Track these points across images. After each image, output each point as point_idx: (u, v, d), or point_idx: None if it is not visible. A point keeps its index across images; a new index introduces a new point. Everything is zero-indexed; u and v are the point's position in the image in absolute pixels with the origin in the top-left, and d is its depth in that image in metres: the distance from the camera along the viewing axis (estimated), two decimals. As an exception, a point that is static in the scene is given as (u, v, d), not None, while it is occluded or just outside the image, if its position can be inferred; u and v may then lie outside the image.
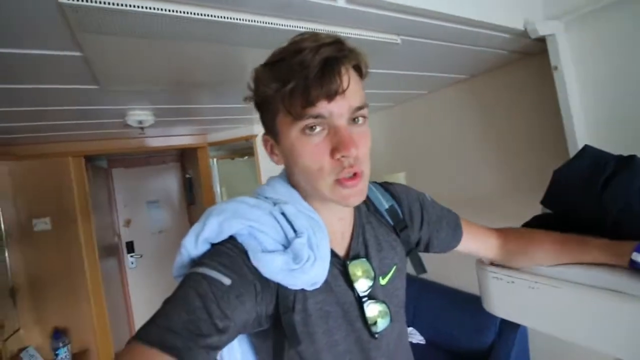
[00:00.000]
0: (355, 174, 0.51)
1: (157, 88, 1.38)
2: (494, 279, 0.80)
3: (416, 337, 2.01)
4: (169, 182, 4.08)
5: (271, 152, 0.58)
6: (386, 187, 0.75)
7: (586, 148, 0.75)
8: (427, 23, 1.00)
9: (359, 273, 0.59)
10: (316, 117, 0.48)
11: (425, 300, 2.04)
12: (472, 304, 1.73)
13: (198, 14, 0.78)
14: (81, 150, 2.33)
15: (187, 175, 3.80)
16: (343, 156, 0.49)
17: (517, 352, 1.54)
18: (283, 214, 0.54)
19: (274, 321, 0.53)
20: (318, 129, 0.49)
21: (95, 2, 0.70)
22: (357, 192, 0.52)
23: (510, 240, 0.77)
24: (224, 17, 0.81)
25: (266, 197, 0.59)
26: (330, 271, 0.55)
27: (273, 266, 0.49)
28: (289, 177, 0.60)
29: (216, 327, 0.43)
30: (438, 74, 1.66)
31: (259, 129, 2.57)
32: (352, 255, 0.61)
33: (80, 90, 1.23)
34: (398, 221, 0.69)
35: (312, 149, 0.50)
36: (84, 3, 0.69)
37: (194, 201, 3.70)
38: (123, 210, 3.76)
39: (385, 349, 0.62)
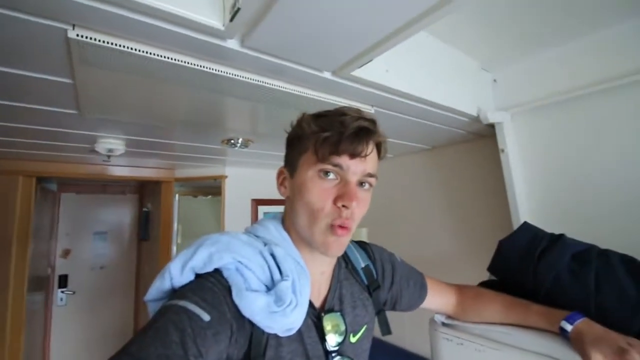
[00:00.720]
0: (345, 227, 0.56)
1: (135, 120, 1.39)
2: (444, 339, 0.85)
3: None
4: (123, 214, 3.84)
5: (281, 184, 0.65)
6: (363, 246, 0.80)
7: (525, 224, 0.87)
8: (397, 100, 1.15)
9: (331, 327, 0.60)
10: (335, 165, 0.56)
11: (378, 362, 2.01)
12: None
13: (197, 65, 0.85)
14: (35, 170, 2.18)
15: (145, 209, 3.62)
16: (344, 205, 0.55)
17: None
18: (272, 255, 0.57)
19: None
20: (332, 176, 0.57)
21: (102, 41, 0.75)
22: (340, 244, 0.57)
23: (465, 297, 0.84)
24: (222, 72, 0.89)
25: (257, 236, 0.61)
26: (304, 321, 0.56)
27: (255, 305, 0.50)
28: (285, 219, 0.64)
29: None
30: (404, 142, 1.84)
31: (229, 171, 2.58)
32: (327, 308, 0.63)
33: (57, 113, 1.22)
34: (372, 281, 0.73)
35: (320, 190, 0.56)
36: (91, 41, 0.73)
37: (148, 237, 3.49)
38: (64, 238, 3.43)
39: None
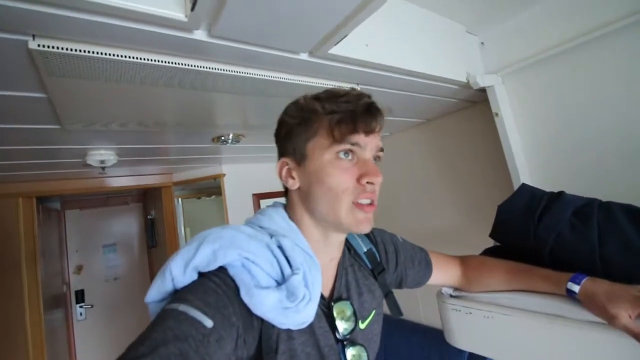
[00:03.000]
0: (372, 202, 0.57)
1: (121, 128, 1.37)
2: (453, 310, 0.84)
3: (388, 379, 1.96)
4: (129, 224, 3.87)
5: (287, 176, 0.61)
6: None
7: (523, 186, 0.84)
8: (382, 75, 1.12)
9: (341, 315, 0.59)
10: (354, 144, 0.56)
11: (395, 339, 2.03)
12: (440, 340, 1.74)
13: (167, 62, 0.82)
14: (33, 190, 2.18)
15: (149, 216, 3.63)
16: (369, 182, 0.55)
17: (485, 387, 1.55)
18: (280, 247, 0.54)
19: None
20: (349, 156, 0.56)
21: (65, 49, 0.72)
22: (369, 220, 0.57)
23: (469, 268, 0.83)
24: (194, 66, 0.86)
25: (261, 227, 0.58)
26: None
27: (266, 303, 0.47)
28: (290, 209, 0.61)
29: None
30: (397, 117, 1.80)
31: (227, 169, 2.57)
32: (335, 296, 0.61)
33: (40, 130, 1.20)
34: (376, 264, 0.71)
35: (342, 171, 0.56)
36: (54, 50, 0.71)
37: (156, 244, 3.51)
38: (74, 255, 3.47)
39: None
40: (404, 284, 0.79)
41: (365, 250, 0.72)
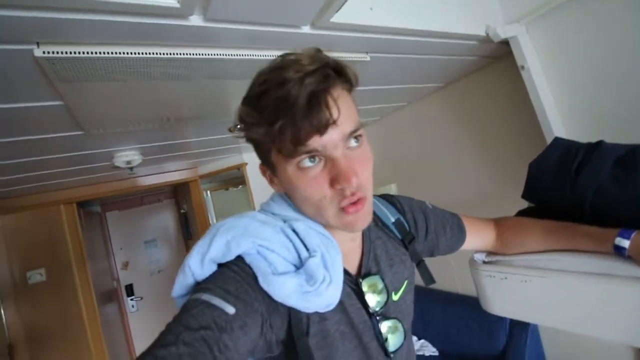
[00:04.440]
0: (358, 200, 0.48)
1: (141, 127, 1.40)
2: (487, 277, 0.80)
3: (429, 350, 1.96)
4: (165, 219, 4.05)
5: (270, 182, 0.56)
6: (390, 200, 0.74)
7: (556, 140, 0.78)
8: (392, 39, 1.05)
9: (373, 289, 0.57)
10: (309, 152, 0.46)
11: (432, 311, 2.01)
12: (478, 308, 1.71)
13: (168, 54, 0.82)
14: (73, 196, 2.33)
15: (182, 211, 3.78)
16: (343, 188, 0.47)
17: (530, 352, 1.51)
18: (294, 231, 0.52)
19: (286, 347, 0.50)
20: (314, 162, 0.47)
21: (70, 52, 0.73)
22: (362, 217, 0.50)
23: (504, 230, 0.78)
24: (197, 54, 0.85)
25: (274, 214, 0.56)
26: (343, 291, 0.52)
27: (285, 289, 0.46)
28: (292, 200, 0.57)
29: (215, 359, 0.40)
30: (413, 85, 1.72)
31: (248, 157, 2.59)
32: (364, 272, 0.59)
33: (65, 138, 1.25)
34: (406, 234, 0.68)
35: (310, 182, 0.48)
36: (58, 55, 0.72)
37: (191, 236, 3.67)
38: (119, 253, 3.71)
39: None
40: (436, 252, 0.76)
41: (393, 220, 0.69)
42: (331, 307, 0.51)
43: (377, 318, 0.57)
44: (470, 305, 1.82)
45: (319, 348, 0.51)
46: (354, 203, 0.48)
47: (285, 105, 0.43)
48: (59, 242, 2.24)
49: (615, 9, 1.04)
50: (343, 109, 0.46)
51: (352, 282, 0.57)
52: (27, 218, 2.18)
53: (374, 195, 0.72)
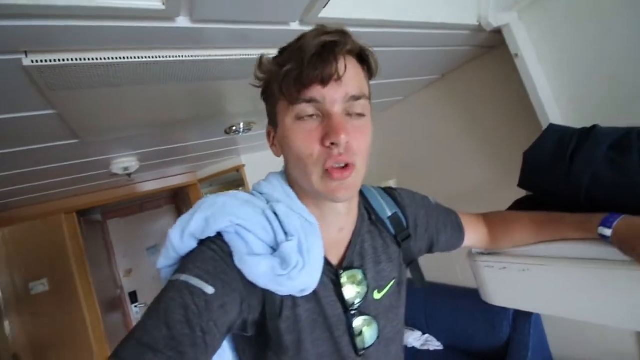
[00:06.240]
0: (346, 165, 0.48)
1: (137, 132, 1.40)
2: (486, 268, 0.80)
3: (433, 344, 1.96)
4: (166, 224, 4.05)
5: (272, 144, 0.57)
6: (390, 192, 0.71)
7: (550, 127, 0.77)
8: (381, 32, 1.05)
9: (350, 284, 0.56)
10: (309, 101, 0.47)
11: (435, 305, 2.01)
12: (482, 299, 1.71)
13: (157, 57, 0.81)
14: (73, 205, 2.33)
15: (183, 215, 3.78)
16: (332, 143, 0.46)
17: (534, 342, 1.51)
18: (275, 213, 0.52)
19: (259, 328, 0.51)
20: (312, 114, 0.48)
21: (59, 60, 0.73)
22: (346, 186, 0.49)
23: (494, 226, 0.77)
24: (186, 56, 0.85)
25: (261, 193, 0.57)
26: (320, 280, 0.52)
27: (258, 271, 0.47)
28: (288, 172, 0.58)
29: (197, 340, 0.41)
30: (408, 78, 1.71)
31: (246, 159, 2.59)
32: (346, 264, 0.58)
33: (61, 147, 1.25)
34: (401, 230, 0.66)
35: (304, 135, 0.48)
36: (47, 63, 0.71)
37: (193, 240, 3.67)
38: (122, 260, 3.72)
39: None
40: (435, 248, 0.74)
41: (389, 214, 0.66)
42: (307, 292, 0.51)
43: (352, 313, 0.55)
44: (474, 298, 1.80)
45: (289, 332, 0.51)
46: (341, 168, 0.48)
47: (298, 52, 0.46)
48: (61, 252, 2.24)
49: None
50: (350, 72, 0.47)
51: (332, 273, 0.56)
52: (27, 229, 2.18)
53: (375, 187, 0.72)
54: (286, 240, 0.49)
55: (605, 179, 0.62)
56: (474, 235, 0.78)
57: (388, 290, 0.61)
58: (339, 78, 0.46)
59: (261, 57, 0.52)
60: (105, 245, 3.57)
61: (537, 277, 0.70)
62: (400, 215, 0.68)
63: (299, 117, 0.48)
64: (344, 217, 0.58)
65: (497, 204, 0.91)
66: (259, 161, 2.60)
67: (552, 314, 0.74)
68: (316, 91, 0.46)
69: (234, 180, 3.35)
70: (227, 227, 0.49)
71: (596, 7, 1.07)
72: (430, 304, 2.01)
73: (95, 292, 2.36)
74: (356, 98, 0.48)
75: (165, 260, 0.52)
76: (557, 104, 1.27)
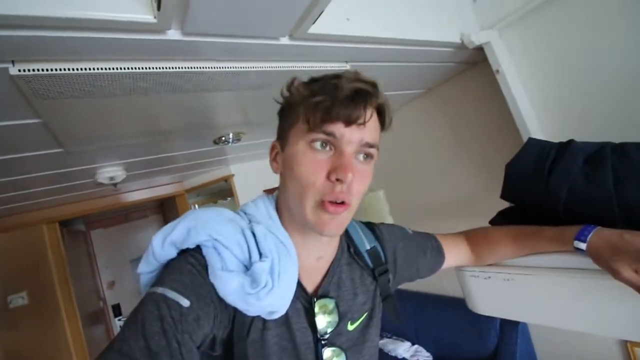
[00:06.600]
0: (342, 202, 0.51)
1: (125, 142, 1.39)
2: (472, 277, 0.82)
3: (422, 355, 1.96)
4: (152, 235, 3.95)
5: (274, 159, 0.60)
6: (370, 227, 0.74)
7: (530, 140, 0.80)
8: (370, 48, 1.08)
9: (324, 313, 0.56)
10: (329, 134, 0.50)
11: (424, 315, 2.02)
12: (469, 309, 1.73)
13: (146, 68, 0.82)
14: (55, 215, 2.27)
15: (170, 226, 3.72)
16: (338, 179, 0.49)
17: (521, 351, 1.53)
18: (253, 233, 0.53)
19: (226, 348, 0.51)
20: (325, 147, 0.51)
21: (44, 70, 0.72)
22: (337, 223, 0.52)
23: (476, 243, 0.80)
24: (173, 68, 0.85)
25: (246, 213, 0.58)
26: (293, 305, 0.53)
27: (228, 287, 0.48)
28: (279, 197, 0.60)
29: (174, 352, 0.42)
30: (394, 92, 1.75)
31: (235, 169, 2.58)
32: (320, 293, 0.58)
33: (45, 156, 1.23)
34: (378, 264, 0.67)
35: (312, 162, 0.51)
36: (34, 72, 0.71)
37: (180, 251, 3.60)
38: (105, 272, 3.62)
39: None
40: (416, 277, 0.76)
41: (368, 248, 0.68)
42: (275, 316, 0.51)
43: (322, 343, 0.55)
44: (462, 308, 1.83)
45: (255, 356, 0.51)
46: (337, 204, 0.50)
47: (332, 89, 0.50)
48: (42, 264, 2.17)
49: (586, 13, 1.09)
50: (371, 122, 0.52)
51: (306, 300, 0.56)
52: (7, 240, 2.11)
53: (357, 220, 0.73)
54: (260, 260, 0.50)
55: (581, 193, 0.65)
56: (456, 254, 0.80)
57: (361, 323, 0.62)
58: (363, 124, 0.50)
59: (294, 79, 0.56)
60: (88, 256, 3.47)
61: (521, 286, 0.72)
62: (379, 249, 0.70)
63: (312, 146, 0.51)
64: (325, 246, 0.60)
65: (482, 214, 0.93)
66: (248, 171, 2.60)
67: (536, 322, 0.76)
68: (338, 128, 0.50)
69: (222, 191, 3.32)
70: (206, 240, 0.50)
71: (573, 26, 1.13)
72: (420, 314, 2.02)
73: (77, 305, 2.29)
74: (369, 145, 0.52)
75: (145, 265, 0.53)
76: (536, 118, 1.32)
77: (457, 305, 1.87)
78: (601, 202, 0.62)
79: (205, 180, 2.68)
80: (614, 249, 0.55)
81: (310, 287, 0.58)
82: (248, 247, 0.52)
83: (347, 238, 0.68)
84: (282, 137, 0.57)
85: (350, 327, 0.60)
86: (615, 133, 1.01)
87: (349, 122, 0.49)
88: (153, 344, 0.41)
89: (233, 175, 2.55)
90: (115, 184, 1.85)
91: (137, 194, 2.60)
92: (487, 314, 0.83)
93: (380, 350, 1.85)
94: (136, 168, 1.87)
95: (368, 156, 0.54)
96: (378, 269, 0.66)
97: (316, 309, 0.56)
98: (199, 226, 0.51)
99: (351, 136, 0.50)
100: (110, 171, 1.67)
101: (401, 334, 2.09)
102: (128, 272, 3.73)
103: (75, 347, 2.19)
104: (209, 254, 0.50)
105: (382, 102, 0.54)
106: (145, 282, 0.54)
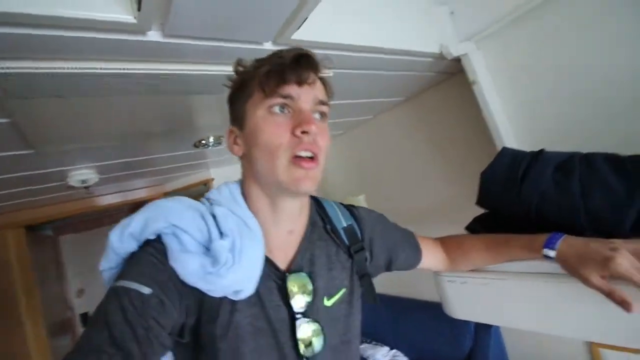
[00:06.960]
0: (312, 158, 0.54)
1: (99, 144, 1.34)
2: (448, 282, 0.84)
3: (400, 359, 1.98)
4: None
5: (233, 143, 0.61)
6: (348, 207, 0.75)
7: (503, 150, 0.84)
8: (352, 56, 1.10)
9: (297, 289, 0.56)
10: (285, 96, 0.54)
11: (402, 320, 2.04)
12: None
13: (125, 69, 0.80)
14: (21, 219, 2.14)
15: (145, 231, 3.60)
16: (304, 131, 0.52)
17: (494, 354, 1.57)
18: (213, 215, 0.54)
19: (194, 334, 0.50)
20: (284, 110, 0.55)
21: (17, 68, 0.69)
22: (311, 177, 0.54)
23: (450, 249, 0.82)
24: (152, 70, 0.84)
25: (207, 199, 0.59)
26: (264, 283, 0.53)
27: (188, 267, 0.48)
28: (243, 181, 0.61)
29: (140, 338, 0.41)
30: (375, 99, 1.78)
31: (215, 173, 2.54)
32: (293, 268, 0.58)
33: (12, 157, 1.17)
34: (355, 241, 0.68)
35: (274, 126, 0.54)
36: (6, 71, 0.68)
37: (155, 257, 3.49)
38: (75, 280, 3.45)
39: None
40: (393, 266, 0.76)
41: (344, 225, 0.69)
42: (242, 295, 0.51)
43: (297, 317, 0.55)
44: (438, 312, 1.86)
45: (225, 340, 0.50)
46: (309, 159, 0.53)
47: (277, 58, 0.55)
48: (3, 271, 2.04)
49: (562, 27, 1.14)
50: (318, 83, 0.58)
51: (278, 277, 0.56)
52: (-34, 246, 1.98)
53: (334, 201, 0.74)
54: (220, 239, 0.51)
55: (551, 200, 0.69)
56: (432, 258, 0.82)
57: (339, 299, 0.62)
58: (313, 83, 0.56)
59: (239, 59, 0.60)
60: (56, 263, 3.30)
61: (496, 291, 0.75)
62: (356, 227, 0.70)
63: (272, 111, 0.54)
64: (295, 217, 0.61)
65: (459, 219, 0.96)
66: (229, 175, 2.56)
67: (510, 326, 0.78)
68: (293, 89, 0.54)
69: (200, 195, 3.26)
70: (165, 227, 0.50)
71: (548, 39, 1.19)
72: (397, 319, 2.04)
73: (43, 314, 2.16)
74: (322, 102, 0.58)
75: (106, 262, 0.53)
76: (511, 129, 1.38)
77: (435, 310, 1.90)
78: (570, 209, 0.66)
79: (184, 183, 2.62)
80: (582, 257, 0.58)
81: (282, 264, 0.59)
82: (208, 228, 0.52)
83: (322, 214, 0.69)
84: (239, 117, 0.59)
85: (328, 303, 0.60)
86: (585, 143, 1.07)
87: (300, 82, 0.54)
88: (116, 332, 0.41)
89: (213, 179, 2.51)
90: (87, 187, 1.78)
91: (112, 197, 2.51)
92: (463, 318, 0.85)
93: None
94: (111, 171, 1.81)
95: (323, 115, 0.59)
96: (354, 246, 0.67)
97: (289, 285, 0.56)
98: (158, 215, 0.51)
99: (306, 95, 0.55)
100: (83, 174, 1.60)
101: (379, 339, 2.11)
102: (99, 280, 3.55)
103: (39, 357, 2.07)
104: (168, 240, 0.50)
105: (321, 69, 0.58)
106: (108, 279, 0.54)
